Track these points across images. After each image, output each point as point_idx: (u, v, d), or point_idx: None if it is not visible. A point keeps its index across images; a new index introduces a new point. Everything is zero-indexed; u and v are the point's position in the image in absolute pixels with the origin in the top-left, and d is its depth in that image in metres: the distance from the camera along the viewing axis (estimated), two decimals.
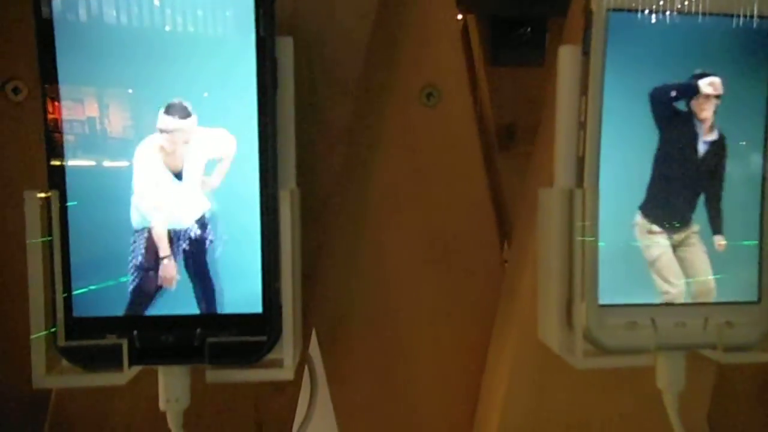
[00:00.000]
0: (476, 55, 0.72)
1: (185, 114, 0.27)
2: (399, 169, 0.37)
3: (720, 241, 0.30)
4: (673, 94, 0.29)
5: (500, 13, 0.69)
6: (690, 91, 0.29)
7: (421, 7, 0.37)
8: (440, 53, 0.38)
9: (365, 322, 0.38)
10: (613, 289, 0.30)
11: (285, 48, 0.29)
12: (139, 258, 0.28)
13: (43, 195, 0.26)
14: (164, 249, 0.28)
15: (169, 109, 0.27)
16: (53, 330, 0.27)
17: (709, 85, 0.29)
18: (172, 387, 0.28)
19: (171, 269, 0.28)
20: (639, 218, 0.30)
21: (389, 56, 0.37)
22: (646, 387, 0.32)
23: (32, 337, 0.27)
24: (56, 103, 0.27)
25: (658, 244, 0.30)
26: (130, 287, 0.28)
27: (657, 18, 0.29)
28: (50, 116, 0.27)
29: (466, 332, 0.38)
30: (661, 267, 0.30)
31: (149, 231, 0.28)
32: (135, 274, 0.28)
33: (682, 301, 0.30)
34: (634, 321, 0.30)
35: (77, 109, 0.27)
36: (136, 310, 0.28)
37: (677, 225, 0.30)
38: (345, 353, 0.38)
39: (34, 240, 0.27)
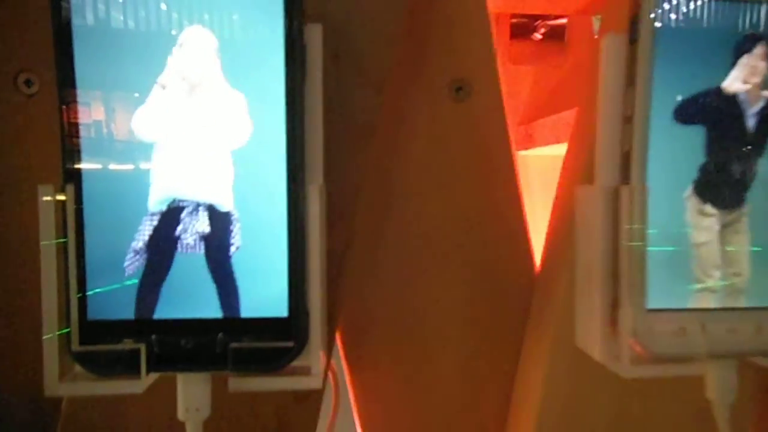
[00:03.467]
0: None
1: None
2: (427, 165, 0.35)
3: None
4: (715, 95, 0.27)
5: None
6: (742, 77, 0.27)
7: (451, 0, 0.35)
8: (470, 47, 0.36)
9: (391, 326, 0.36)
10: (661, 292, 0.28)
11: (314, 35, 0.27)
12: (157, 255, 0.26)
13: (58, 196, 0.25)
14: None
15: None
16: (66, 330, 0.25)
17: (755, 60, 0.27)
18: (192, 396, 0.27)
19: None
20: (690, 218, 0.28)
21: (418, 49, 0.35)
22: (690, 397, 0.31)
23: (44, 338, 0.25)
24: (73, 102, 0.25)
25: (712, 244, 0.28)
26: (147, 287, 0.26)
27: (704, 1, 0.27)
28: (66, 111, 0.25)
29: (495, 337, 0.36)
30: (705, 258, 0.28)
31: (167, 221, 0.26)
32: (150, 273, 0.26)
33: (734, 304, 0.28)
34: (683, 327, 0.28)
35: (94, 106, 0.25)
36: (157, 312, 0.26)
37: (731, 214, 0.28)
38: (370, 359, 0.36)
39: (48, 237, 0.25)
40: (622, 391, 0.34)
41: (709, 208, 0.28)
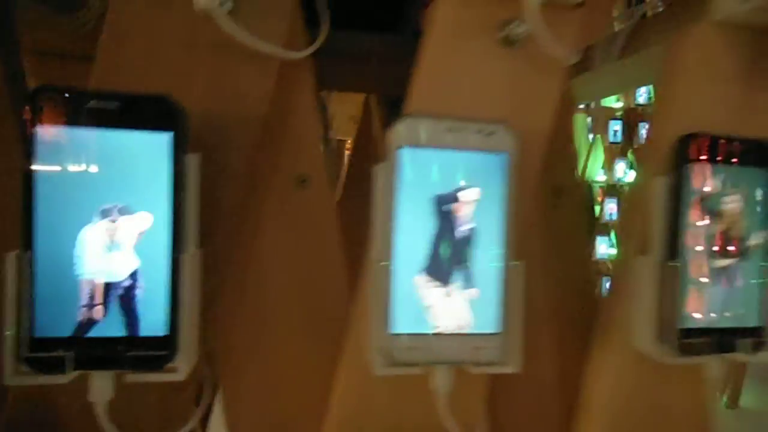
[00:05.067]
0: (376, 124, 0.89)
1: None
2: (276, 237, 0.52)
3: (477, 297, 0.47)
4: (442, 200, 0.46)
5: None
6: (452, 199, 0.46)
7: (294, 116, 0.53)
8: (309, 150, 0.53)
9: (249, 344, 0.53)
10: (402, 322, 0.46)
11: (193, 162, 0.44)
12: (84, 299, 0.41)
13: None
14: (99, 297, 0.42)
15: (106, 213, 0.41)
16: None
17: (463, 195, 0.46)
18: (100, 385, 0.42)
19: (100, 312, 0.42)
20: (421, 278, 0.46)
21: (271, 151, 0.52)
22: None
23: (5, 347, 0.40)
24: (31, 192, 0.40)
25: (433, 294, 0.46)
26: (77, 318, 0.41)
27: (434, 149, 0.46)
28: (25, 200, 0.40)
29: (320, 347, 0.54)
30: (434, 309, 0.46)
31: (91, 282, 0.42)
32: (80, 310, 0.41)
33: (449, 332, 0.47)
34: (416, 344, 0.46)
35: (46, 196, 0.40)
36: (80, 332, 0.41)
37: (445, 281, 0.47)
38: (235, 367, 0.52)
39: (10, 286, 0.40)
40: (400, 387, 0.51)
41: (433, 281, 0.46)
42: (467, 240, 0.47)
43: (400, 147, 0.45)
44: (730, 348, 0.51)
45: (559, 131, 0.56)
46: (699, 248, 0.50)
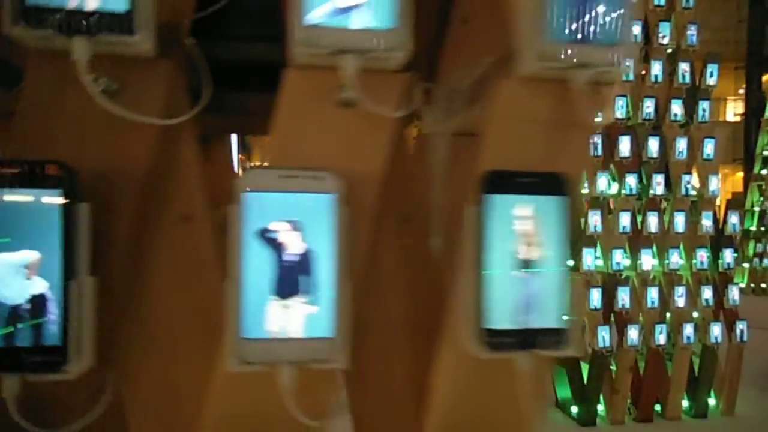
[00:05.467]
0: None
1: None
2: (164, 265, 0.65)
3: (312, 308, 0.59)
4: (268, 232, 0.58)
5: None
6: (268, 231, 0.58)
7: (178, 165, 0.66)
8: (191, 191, 0.66)
9: (145, 356, 0.65)
10: (250, 329, 0.57)
11: (83, 209, 0.56)
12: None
13: None
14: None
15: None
16: None
17: (276, 226, 0.58)
18: (9, 384, 0.54)
19: None
20: (265, 294, 0.58)
21: (159, 194, 0.65)
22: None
23: None
24: None
25: (275, 305, 0.58)
26: None
27: (272, 192, 0.58)
28: None
29: (204, 362, 0.65)
30: (277, 318, 0.58)
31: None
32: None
33: (288, 336, 0.58)
34: (261, 347, 0.58)
35: None
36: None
37: (289, 297, 0.58)
38: (134, 372, 0.65)
39: None
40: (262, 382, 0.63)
41: (275, 296, 0.58)
42: (302, 263, 0.59)
43: (244, 191, 0.57)
44: (532, 345, 0.62)
45: (404, 168, 0.68)
46: (502, 261, 0.62)
